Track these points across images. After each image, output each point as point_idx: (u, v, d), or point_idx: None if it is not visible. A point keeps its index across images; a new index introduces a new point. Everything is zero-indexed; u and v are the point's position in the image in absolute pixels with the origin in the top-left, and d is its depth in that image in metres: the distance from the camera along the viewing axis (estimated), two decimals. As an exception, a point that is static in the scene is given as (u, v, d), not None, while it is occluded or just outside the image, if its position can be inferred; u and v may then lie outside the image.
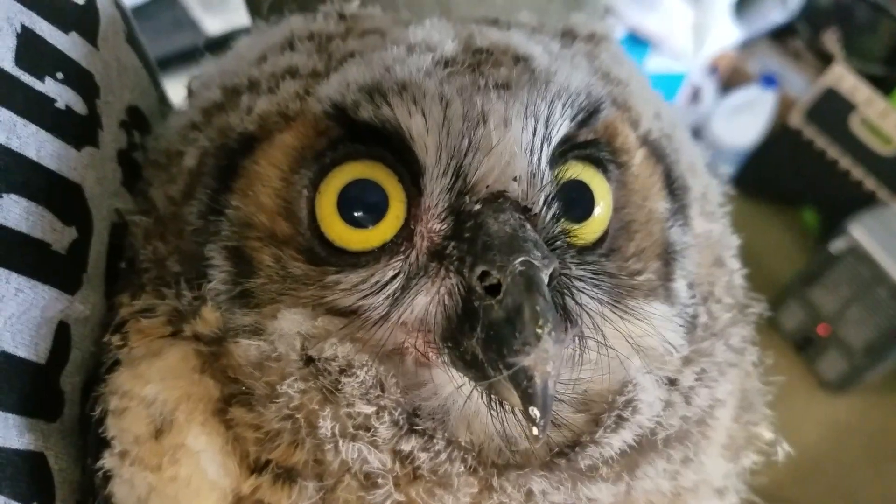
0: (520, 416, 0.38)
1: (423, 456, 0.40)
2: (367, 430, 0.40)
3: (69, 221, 0.47)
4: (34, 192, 0.44)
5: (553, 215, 0.44)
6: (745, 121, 2.80)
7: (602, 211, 0.47)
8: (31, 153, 0.45)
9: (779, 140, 2.81)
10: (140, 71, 0.60)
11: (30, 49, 0.46)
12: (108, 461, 0.43)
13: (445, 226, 0.43)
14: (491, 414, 0.41)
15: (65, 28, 0.49)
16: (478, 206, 0.42)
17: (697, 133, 2.81)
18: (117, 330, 0.46)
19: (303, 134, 0.46)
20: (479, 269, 0.39)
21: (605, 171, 0.49)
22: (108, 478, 0.43)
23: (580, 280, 0.44)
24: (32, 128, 0.45)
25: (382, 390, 0.41)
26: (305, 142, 0.46)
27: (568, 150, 0.46)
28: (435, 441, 0.41)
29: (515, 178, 0.42)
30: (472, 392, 0.41)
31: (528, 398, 0.36)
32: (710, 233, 0.55)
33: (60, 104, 0.47)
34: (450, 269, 0.42)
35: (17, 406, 0.43)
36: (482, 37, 0.49)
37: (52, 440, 0.45)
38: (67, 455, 0.46)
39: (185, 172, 0.49)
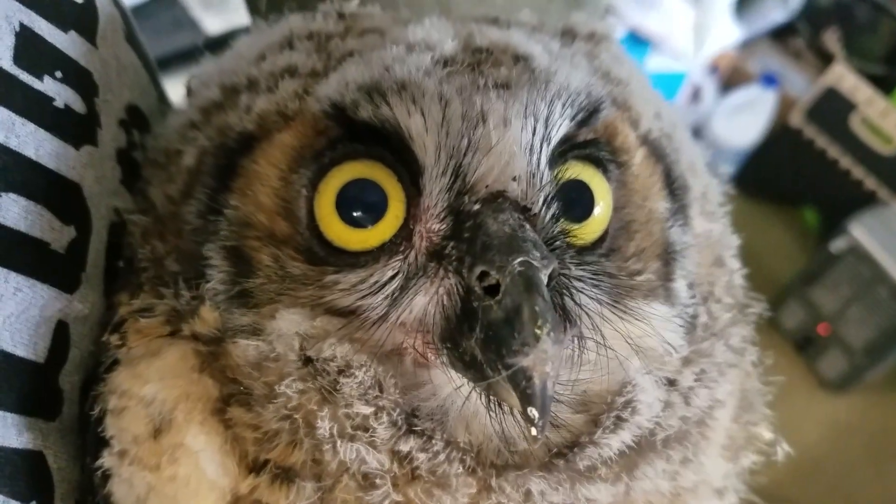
0: (518, 416, 0.38)
1: (422, 456, 0.40)
2: (366, 430, 0.40)
3: (68, 220, 0.47)
4: (33, 191, 0.44)
5: (552, 215, 0.44)
6: (745, 120, 2.80)
7: (602, 211, 0.47)
8: (29, 152, 0.45)
9: (779, 140, 2.81)
10: (139, 70, 0.60)
11: (28, 48, 0.46)
12: (106, 460, 0.43)
13: (444, 226, 0.43)
14: (490, 414, 0.41)
15: (63, 27, 0.49)
16: (477, 206, 0.42)
17: (697, 133, 2.81)
18: (116, 329, 0.46)
19: (302, 133, 0.46)
20: (478, 270, 0.39)
21: (604, 170, 0.48)
22: (106, 477, 0.43)
23: (579, 280, 0.44)
24: (31, 126, 0.45)
25: (381, 391, 0.41)
26: (304, 141, 0.46)
27: (568, 149, 0.46)
28: (433, 441, 0.41)
29: (515, 177, 0.42)
30: (470, 393, 0.41)
31: (526, 399, 0.36)
32: (711, 232, 0.55)
33: (59, 103, 0.47)
34: (449, 270, 0.41)
35: (15, 405, 0.43)
36: (482, 36, 0.49)
37: (51, 439, 0.45)
38: (66, 454, 0.46)
39: (183, 172, 0.49)
